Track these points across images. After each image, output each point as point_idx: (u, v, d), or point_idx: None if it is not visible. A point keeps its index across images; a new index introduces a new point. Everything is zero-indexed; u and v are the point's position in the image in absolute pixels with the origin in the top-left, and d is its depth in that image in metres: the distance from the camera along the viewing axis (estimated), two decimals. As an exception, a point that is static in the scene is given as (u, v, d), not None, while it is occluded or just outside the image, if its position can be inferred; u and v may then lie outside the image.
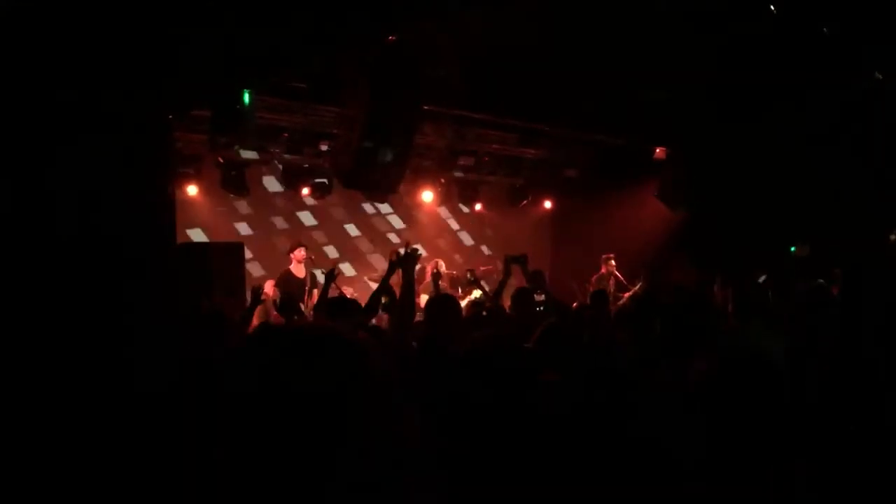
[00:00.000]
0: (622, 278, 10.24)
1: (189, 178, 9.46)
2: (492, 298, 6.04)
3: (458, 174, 11.57)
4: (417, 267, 5.41)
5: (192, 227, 9.87)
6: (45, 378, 2.50)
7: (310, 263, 9.24)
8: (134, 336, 2.55)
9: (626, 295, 9.53)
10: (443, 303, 4.33)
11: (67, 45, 2.87)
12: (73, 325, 2.55)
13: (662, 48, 6.74)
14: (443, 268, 10.36)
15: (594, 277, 10.34)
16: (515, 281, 6.62)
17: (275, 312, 8.34)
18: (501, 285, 5.99)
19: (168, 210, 4.22)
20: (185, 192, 9.40)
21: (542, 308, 5.70)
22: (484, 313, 5.69)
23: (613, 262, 10.43)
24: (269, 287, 9.59)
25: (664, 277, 9.66)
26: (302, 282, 8.97)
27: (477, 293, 9.76)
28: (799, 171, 8.53)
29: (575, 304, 6.60)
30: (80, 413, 2.49)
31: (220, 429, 0.80)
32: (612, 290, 10.13)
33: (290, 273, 9.03)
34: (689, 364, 2.86)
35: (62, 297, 2.59)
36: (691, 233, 10.35)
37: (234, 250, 8.30)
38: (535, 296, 5.82)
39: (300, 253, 9.17)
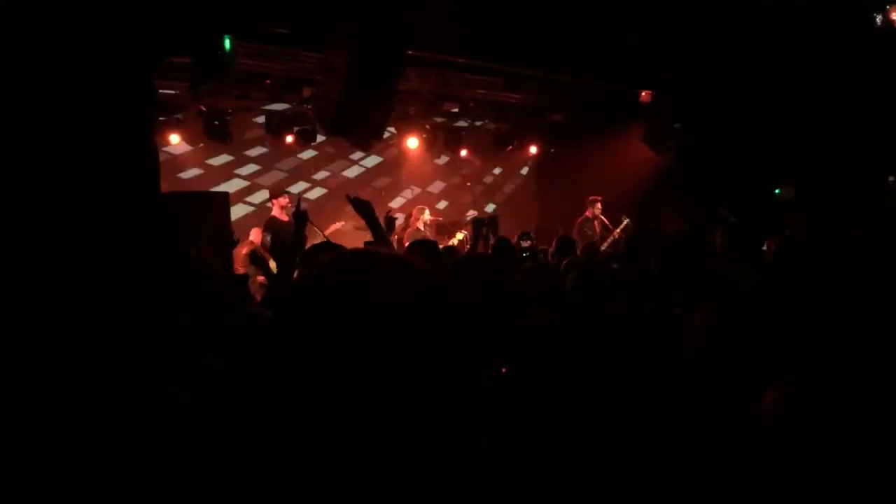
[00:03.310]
0: (607, 222, 10.33)
1: (171, 127, 9.39)
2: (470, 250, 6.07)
3: (442, 120, 11.53)
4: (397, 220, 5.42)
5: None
6: (42, 337, 2.55)
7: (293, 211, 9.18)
8: (130, 289, 2.59)
9: (609, 239, 9.69)
10: (421, 248, 4.38)
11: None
12: (65, 282, 2.58)
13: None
14: (427, 215, 10.39)
15: (578, 221, 10.41)
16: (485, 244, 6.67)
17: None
18: (473, 249, 6.04)
19: (152, 159, 4.20)
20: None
21: (527, 254, 5.77)
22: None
23: (599, 206, 10.49)
24: (255, 235, 9.61)
25: (652, 220, 9.77)
26: (289, 226, 8.93)
27: (460, 235, 9.84)
28: (786, 112, 8.56)
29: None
30: (72, 365, 2.53)
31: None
32: (597, 233, 10.24)
33: (274, 218, 9.03)
34: (687, 306, 2.91)
35: (53, 254, 2.61)
36: (679, 176, 10.41)
37: (219, 200, 8.29)
38: (521, 242, 5.89)
39: (283, 199, 9.14)
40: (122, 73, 3.67)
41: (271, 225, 8.86)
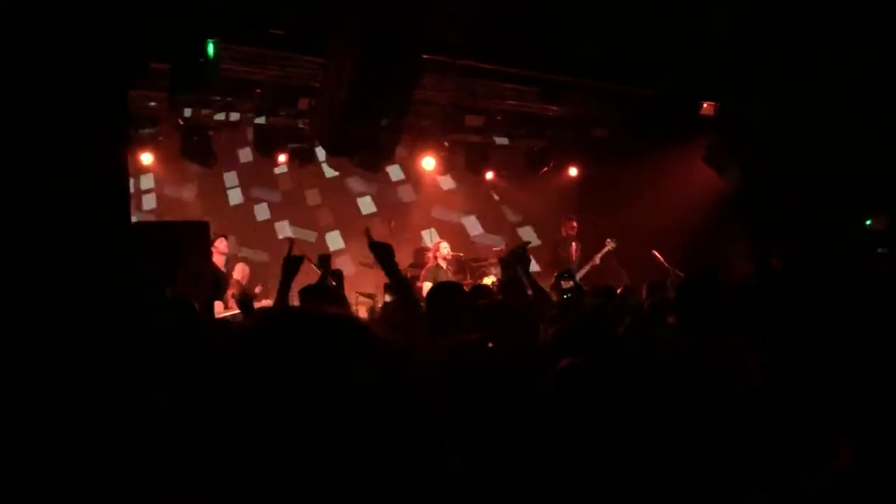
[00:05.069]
0: (575, 245, 10.60)
1: (145, 144, 9.58)
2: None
3: (465, 136, 11.58)
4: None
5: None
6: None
7: (232, 256, 9.67)
8: (94, 327, 2.62)
9: (587, 266, 10.02)
10: (442, 292, 4.40)
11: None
12: (22, 317, 2.62)
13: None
14: (446, 251, 10.42)
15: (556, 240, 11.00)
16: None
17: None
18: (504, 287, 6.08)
19: (122, 182, 4.28)
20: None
21: (568, 295, 5.78)
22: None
23: (575, 224, 10.75)
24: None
25: (717, 258, 9.75)
26: (224, 274, 9.14)
27: (489, 280, 9.86)
28: (874, 127, 8.52)
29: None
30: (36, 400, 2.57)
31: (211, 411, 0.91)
32: (572, 254, 10.48)
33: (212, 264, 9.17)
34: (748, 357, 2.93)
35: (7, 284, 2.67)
36: (747, 204, 10.36)
37: (198, 230, 8.37)
38: (562, 283, 5.94)
39: (221, 244, 9.51)
40: (95, 80, 3.76)
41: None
